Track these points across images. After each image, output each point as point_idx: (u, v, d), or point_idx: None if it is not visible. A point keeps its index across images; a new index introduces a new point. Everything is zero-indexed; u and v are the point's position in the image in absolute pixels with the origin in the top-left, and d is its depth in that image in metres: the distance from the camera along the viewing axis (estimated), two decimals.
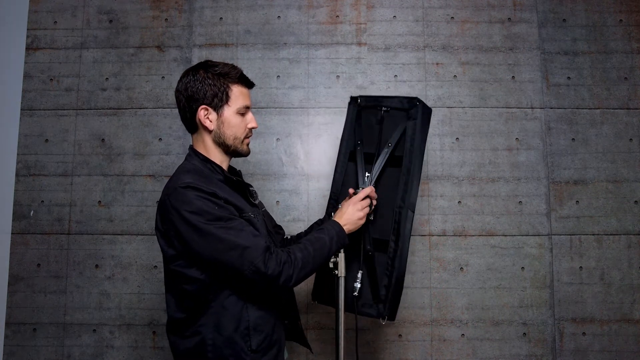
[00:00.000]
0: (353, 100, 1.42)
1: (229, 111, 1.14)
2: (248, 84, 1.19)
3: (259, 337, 1.08)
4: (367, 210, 1.21)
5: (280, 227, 1.43)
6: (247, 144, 1.20)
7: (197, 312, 1.08)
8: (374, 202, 1.26)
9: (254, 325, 1.08)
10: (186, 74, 1.15)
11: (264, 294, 1.11)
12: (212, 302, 1.07)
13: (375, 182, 1.27)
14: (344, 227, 1.17)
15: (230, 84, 1.13)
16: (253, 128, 1.20)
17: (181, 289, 1.09)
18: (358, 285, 1.22)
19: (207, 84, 1.12)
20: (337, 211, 1.22)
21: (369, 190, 1.23)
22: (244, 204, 1.14)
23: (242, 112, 1.15)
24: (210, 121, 1.14)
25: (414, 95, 1.32)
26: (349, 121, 1.42)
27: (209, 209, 1.02)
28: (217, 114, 1.13)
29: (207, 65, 1.15)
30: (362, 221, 1.21)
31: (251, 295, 1.09)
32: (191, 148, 1.19)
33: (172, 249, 1.07)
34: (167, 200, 1.05)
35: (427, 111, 1.32)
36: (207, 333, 1.07)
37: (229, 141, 1.15)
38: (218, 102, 1.13)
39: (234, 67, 1.16)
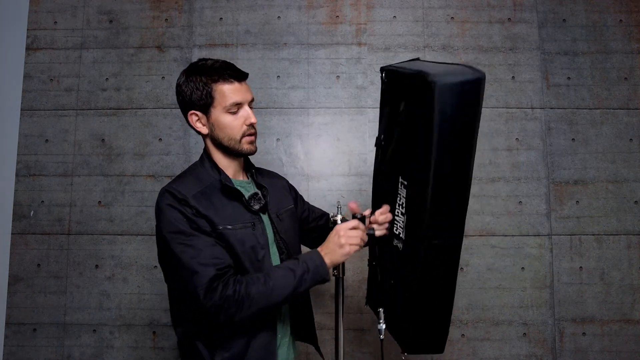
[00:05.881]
0: (381, 74, 1.09)
1: (216, 112, 1.05)
2: (236, 77, 1.06)
3: (224, 353, 1.02)
4: (355, 241, 1.02)
5: (321, 217, 1.35)
6: (250, 142, 1.09)
7: (179, 313, 1.08)
8: (381, 231, 1.09)
9: (219, 341, 1.01)
10: (179, 77, 1.09)
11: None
12: (186, 306, 1.04)
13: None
14: (326, 260, 1.01)
15: (212, 84, 1.03)
16: (252, 124, 1.08)
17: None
18: (383, 326, 1.06)
19: (190, 87, 1.05)
20: (328, 236, 1.06)
21: (356, 222, 1.04)
22: (233, 214, 1.04)
23: (232, 111, 1.05)
24: (203, 125, 1.08)
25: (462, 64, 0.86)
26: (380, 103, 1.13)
27: (173, 220, 0.98)
28: (207, 117, 1.06)
29: (191, 67, 1.07)
30: (347, 255, 1.02)
31: None
32: (204, 149, 1.15)
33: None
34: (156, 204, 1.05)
35: (455, 99, 0.80)
36: (179, 333, 1.07)
37: (225, 142, 1.08)
38: (204, 105, 1.05)
39: (216, 63, 1.06)
